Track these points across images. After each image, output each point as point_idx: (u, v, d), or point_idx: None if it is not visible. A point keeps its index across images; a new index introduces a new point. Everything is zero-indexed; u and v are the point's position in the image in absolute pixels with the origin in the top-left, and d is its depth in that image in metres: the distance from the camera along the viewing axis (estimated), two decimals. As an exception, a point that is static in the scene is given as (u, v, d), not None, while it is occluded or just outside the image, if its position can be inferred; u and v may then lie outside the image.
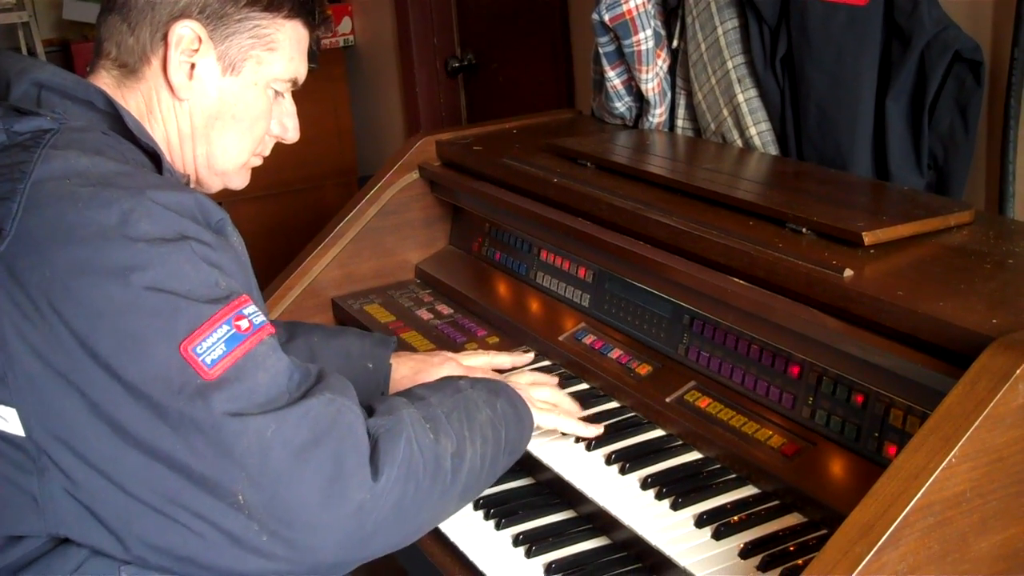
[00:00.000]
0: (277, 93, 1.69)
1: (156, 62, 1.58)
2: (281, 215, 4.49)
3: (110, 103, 1.53)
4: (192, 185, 1.68)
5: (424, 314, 2.42)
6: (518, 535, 1.68)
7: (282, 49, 1.64)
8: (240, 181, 1.75)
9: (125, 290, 1.31)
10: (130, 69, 1.59)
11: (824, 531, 1.52)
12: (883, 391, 1.55)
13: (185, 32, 1.55)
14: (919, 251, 1.66)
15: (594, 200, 2.05)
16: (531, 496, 1.79)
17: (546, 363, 2.12)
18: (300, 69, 1.69)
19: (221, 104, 1.62)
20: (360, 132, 4.79)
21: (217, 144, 1.65)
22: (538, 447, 1.82)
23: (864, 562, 1.17)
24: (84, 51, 4.87)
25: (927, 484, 1.20)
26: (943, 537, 1.23)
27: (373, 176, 2.62)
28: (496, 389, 1.72)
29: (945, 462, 1.20)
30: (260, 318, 1.41)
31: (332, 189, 4.66)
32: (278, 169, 4.61)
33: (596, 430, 1.83)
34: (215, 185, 1.72)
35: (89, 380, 1.31)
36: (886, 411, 1.54)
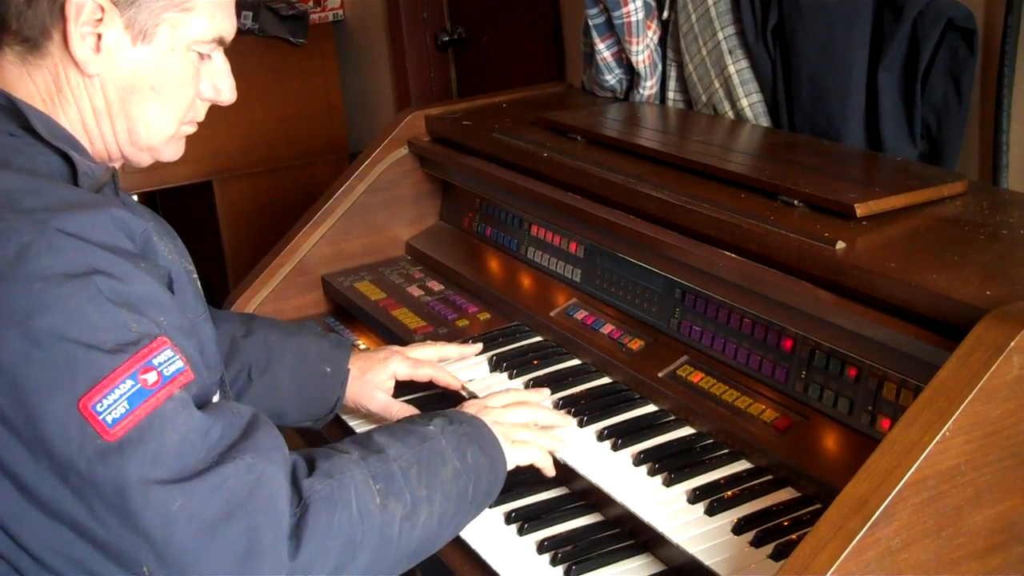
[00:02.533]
0: (202, 55, 1.53)
1: (58, 36, 1.43)
2: (271, 192, 4.47)
3: (11, 101, 1.42)
4: (117, 164, 1.57)
5: (415, 291, 2.41)
6: (510, 513, 1.68)
7: (199, 8, 1.48)
8: (172, 153, 1.59)
9: (21, 339, 1.21)
10: (33, 44, 1.44)
11: (818, 506, 1.52)
12: (876, 364, 1.54)
13: (84, 2, 1.40)
14: (912, 222, 1.65)
15: (585, 174, 2.03)
16: (523, 474, 1.77)
17: (537, 339, 2.11)
18: (225, 26, 1.53)
19: (136, 76, 1.47)
20: (350, 108, 4.76)
21: (138, 119, 1.50)
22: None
23: (858, 537, 1.17)
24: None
25: (921, 458, 1.19)
26: (937, 511, 1.22)
27: (362, 152, 2.60)
28: (470, 433, 1.60)
29: (939, 436, 1.20)
30: (173, 367, 1.29)
31: (322, 166, 4.63)
32: (268, 146, 4.63)
33: (562, 446, 1.74)
34: (144, 160, 1.57)
35: None
36: (879, 385, 1.53)
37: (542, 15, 3.42)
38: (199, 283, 1.64)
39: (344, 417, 2.05)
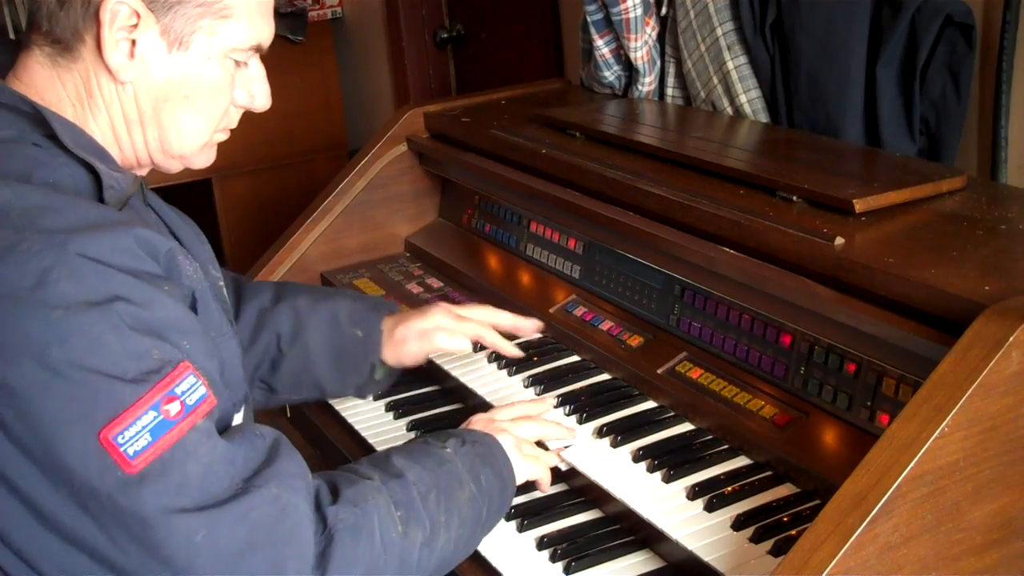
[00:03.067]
0: (239, 62, 1.47)
1: (91, 40, 1.37)
2: (270, 190, 4.47)
3: (36, 108, 1.37)
4: (145, 171, 1.52)
5: (414, 288, 2.41)
6: (510, 510, 1.67)
7: (238, 15, 1.42)
8: (204, 160, 1.54)
9: (39, 369, 1.18)
10: (64, 46, 1.38)
11: (817, 501, 1.52)
12: (875, 360, 1.54)
13: (120, 7, 1.35)
14: (911, 218, 1.64)
15: (584, 171, 2.03)
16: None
17: (537, 335, 2.11)
18: (263, 33, 1.48)
19: (170, 84, 1.41)
20: (349, 105, 4.75)
21: (170, 127, 1.45)
22: (529, 420, 1.81)
23: (857, 532, 1.17)
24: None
25: (920, 453, 1.19)
26: (936, 507, 1.22)
27: (361, 149, 2.60)
28: (483, 454, 1.59)
29: (938, 431, 1.20)
30: (196, 394, 1.26)
31: (322, 163, 4.63)
32: (267, 143, 4.62)
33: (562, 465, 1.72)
34: (174, 167, 1.52)
35: (5, 460, 1.20)
36: (878, 380, 1.53)
37: (541, 12, 3.42)
38: (225, 292, 1.61)
39: (344, 415, 2.05)
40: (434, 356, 2.06)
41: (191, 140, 1.48)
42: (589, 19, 2.49)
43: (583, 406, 1.83)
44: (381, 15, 4.26)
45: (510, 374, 1.98)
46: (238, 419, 1.51)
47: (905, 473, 1.18)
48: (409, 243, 2.62)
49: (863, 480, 1.20)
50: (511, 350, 1.97)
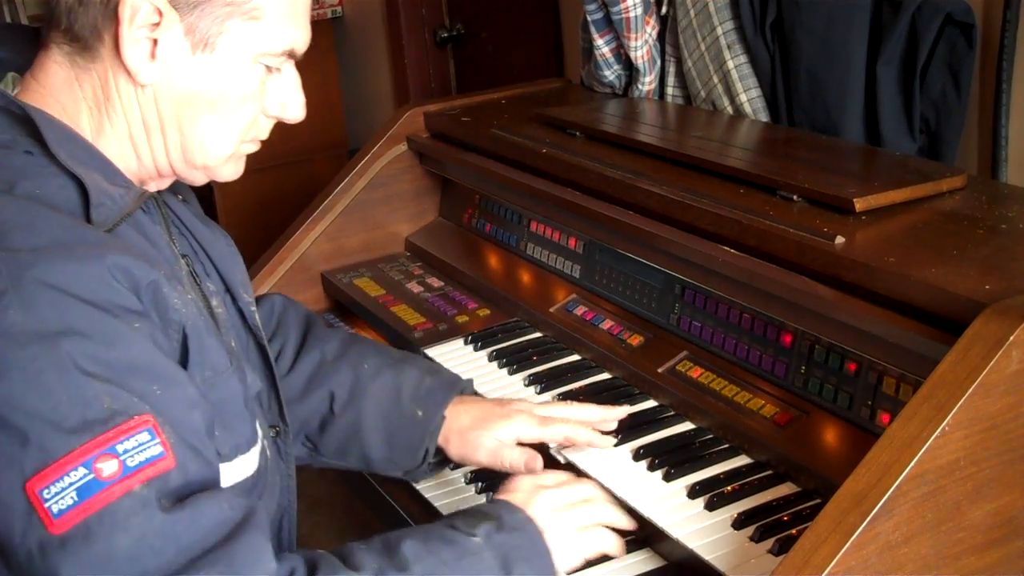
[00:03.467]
0: (270, 68, 1.37)
1: (110, 39, 1.28)
2: (270, 189, 4.46)
3: (28, 115, 1.26)
4: (166, 181, 1.43)
5: (414, 287, 2.41)
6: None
7: (269, 16, 1.31)
8: (230, 173, 1.43)
9: None
10: (83, 45, 1.29)
11: (818, 500, 1.52)
12: (876, 359, 1.54)
13: (140, 3, 1.25)
14: (911, 217, 1.64)
15: (583, 170, 2.03)
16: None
17: (536, 335, 2.11)
18: (298, 37, 1.36)
19: (193, 88, 1.31)
20: (349, 104, 4.75)
21: (192, 135, 1.35)
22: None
23: (858, 531, 1.17)
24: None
25: (920, 452, 1.19)
26: (937, 506, 1.22)
27: (361, 149, 2.60)
28: (520, 546, 1.35)
29: (939, 430, 1.19)
30: (143, 455, 1.11)
31: (322, 162, 4.63)
32: (267, 143, 4.59)
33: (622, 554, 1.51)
34: (197, 179, 1.43)
35: None
36: (879, 379, 1.53)
37: (541, 11, 3.42)
38: (257, 318, 1.52)
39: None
40: (434, 354, 2.07)
41: (215, 150, 1.38)
42: (589, 18, 2.49)
43: (583, 405, 1.83)
44: (381, 14, 4.25)
45: (510, 373, 1.98)
46: (246, 463, 1.38)
47: (906, 472, 1.18)
48: (409, 242, 2.62)
49: (864, 479, 1.20)
50: (605, 443, 1.69)
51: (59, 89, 1.32)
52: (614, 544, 1.49)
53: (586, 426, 1.69)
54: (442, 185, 2.63)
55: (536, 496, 1.47)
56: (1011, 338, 1.22)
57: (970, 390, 1.20)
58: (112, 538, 1.08)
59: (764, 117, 2.23)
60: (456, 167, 2.45)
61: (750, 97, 2.23)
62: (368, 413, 1.70)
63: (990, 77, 1.96)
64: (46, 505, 1.07)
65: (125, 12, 1.25)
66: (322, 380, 1.73)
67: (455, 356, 2.07)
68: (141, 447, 1.11)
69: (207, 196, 4.44)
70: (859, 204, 1.63)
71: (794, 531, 1.44)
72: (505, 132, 2.29)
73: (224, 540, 1.14)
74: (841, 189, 1.67)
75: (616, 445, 1.71)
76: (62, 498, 1.07)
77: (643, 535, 1.56)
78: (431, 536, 1.32)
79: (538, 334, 2.12)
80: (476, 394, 1.82)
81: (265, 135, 1.45)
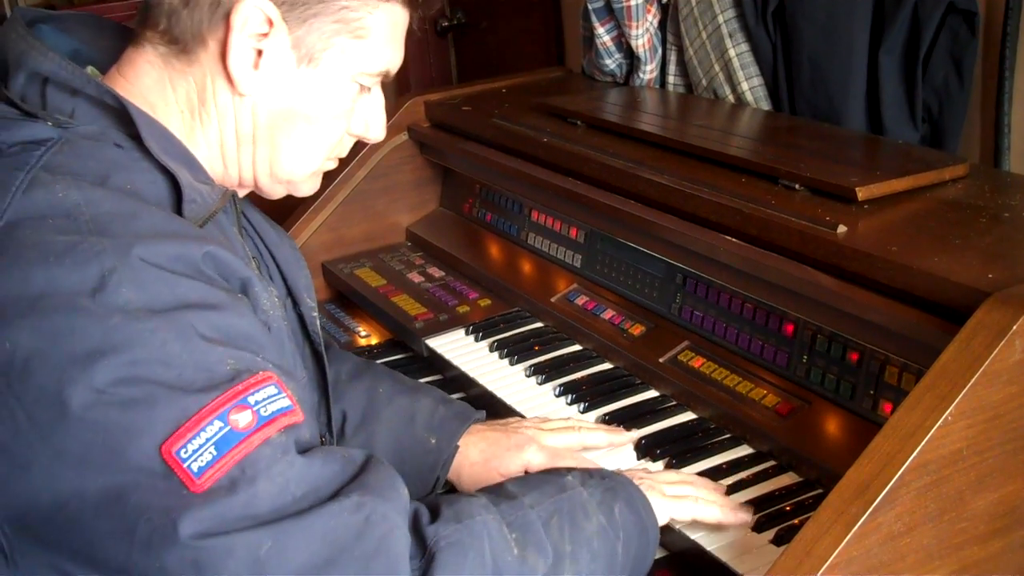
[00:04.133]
0: (363, 87, 1.38)
1: (214, 45, 1.27)
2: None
3: (123, 106, 1.24)
4: (244, 191, 1.44)
5: (415, 277, 2.40)
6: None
7: (374, 36, 1.33)
8: (310, 188, 1.45)
9: (93, 381, 1.06)
10: (182, 48, 1.28)
11: (820, 491, 1.51)
12: (878, 348, 1.53)
13: (253, 12, 1.25)
14: (913, 206, 1.64)
15: (585, 159, 2.02)
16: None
17: (538, 324, 2.11)
18: (394, 59, 1.38)
19: (292, 101, 1.32)
20: (350, 94, 4.75)
21: (283, 148, 1.35)
22: (522, 404, 1.81)
23: (860, 522, 1.16)
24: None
25: (923, 442, 1.18)
26: (940, 496, 1.21)
27: (361, 138, 2.59)
28: (614, 487, 1.39)
29: (941, 420, 1.19)
30: (274, 405, 1.12)
31: (323, 152, 4.62)
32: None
33: (744, 516, 1.47)
34: (277, 193, 1.43)
35: (52, 480, 1.07)
36: (881, 369, 1.52)
37: (541, 0, 3.41)
38: (318, 324, 1.50)
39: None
40: (435, 345, 2.07)
41: (303, 165, 1.39)
42: (590, 7, 2.48)
43: (585, 395, 1.82)
44: (381, 3, 4.25)
45: (511, 364, 1.98)
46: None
47: (908, 462, 1.18)
48: (410, 232, 2.62)
49: (866, 469, 1.20)
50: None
51: (150, 89, 1.31)
52: (714, 512, 1.46)
53: (590, 449, 1.68)
54: (443, 175, 2.63)
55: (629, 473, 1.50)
56: (1014, 327, 1.21)
57: (973, 379, 1.20)
58: (255, 486, 1.08)
59: (766, 105, 2.22)
60: (457, 157, 2.45)
61: (752, 85, 2.23)
62: (380, 437, 1.68)
63: (993, 65, 1.96)
64: (185, 464, 1.06)
65: (237, 18, 1.25)
66: (335, 400, 1.69)
67: (456, 346, 2.07)
68: (270, 399, 1.12)
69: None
70: (861, 193, 1.62)
71: (796, 521, 1.44)
72: (506, 121, 2.28)
73: (357, 473, 1.17)
74: (843, 178, 1.67)
75: (618, 435, 1.71)
76: (201, 455, 1.06)
77: (645, 525, 1.56)
78: (528, 478, 1.41)
79: (539, 324, 2.11)
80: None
81: (345, 153, 1.46)
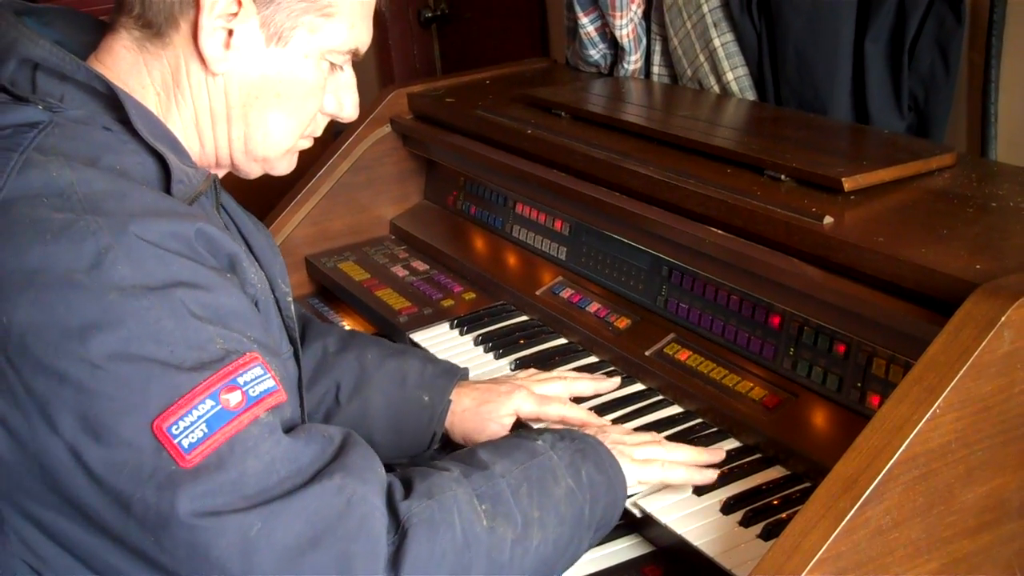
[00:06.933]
0: (334, 65, 1.42)
1: (186, 27, 1.30)
2: (254, 172, 4.43)
3: (112, 89, 1.28)
4: (222, 171, 1.47)
5: (399, 270, 2.39)
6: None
7: (341, 15, 1.36)
8: (285, 166, 1.47)
9: (88, 355, 1.10)
10: (155, 31, 1.31)
11: (808, 484, 1.50)
12: (865, 340, 1.52)
13: None
14: (900, 196, 1.63)
15: (569, 151, 2.01)
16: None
17: (523, 318, 2.09)
18: (363, 37, 1.41)
19: (263, 80, 1.35)
20: (333, 86, 4.73)
21: (257, 126, 1.38)
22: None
23: (848, 516, 1.16)
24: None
25: (911, 436, 1.17)
26: (928, 489, 1.20)
27: (344, 131, 2.57)
28: (583, 449, 1.46)
29: (929, 413, 1.18)
30: (261, 386, 1.18)
31: (306, 145, 4.60)
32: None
33: (711, 475, 1.53)
34: (254, 171, 1.46)
35: (48, 453, 1.13)
36: (869, 361, 1.51)
37: (525, -10, 3.39)
38: (292, 310, 1.53)
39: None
40: (420, 339, 2.06)
41: (277, 142, 1.42)
42: (574, -3, 2.46)
43: (570, 389, 1.81)
44: (364, -5, 4.23)
45: (496, 357, 1.97)
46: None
47: (896, 455, 1.17)
48: (394, 225, 2.60)
49: (854, 463, 1.19)
50: (599, 422, 1.72)
51: (127, 73, 1.34)
52: (680, 474, 1.53)
53: (577, 397, 1.78)
54: (427, 167, 2.61)
55: (599, 433, 1.56)
56: (1003, 319, 1.20)
57: (961, 371, 1.19)
58: (244, 463, 1.14)
59: (751, 96, 2.21)
60: (440, 149, 2.43)
61: (737, 76, 2.21)
62: (374, 401, 1.74)
63: (979, 54, 1.94)
64: (176, 440, 1.11)
65: (206, 0, 1.28)
66: (327, 372, 1.77)
67: (441, 341, 2.05)
68: (257, 379, 1.18)
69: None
70: (847, 183, 1.61)
71: (784, 515, 1.43)
72: (490, 113, 2.27)
73: (335, 456, 1.24)
74: (829, 168, 1.66)
75: (603, 429, 1.70)
76: (192, 432, 1.12)
77: (631, 520, 1.55)
78: (499, 444, 1.45)
79: (524, 317, 2.10)
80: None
81: (319, 132, 1.50)
